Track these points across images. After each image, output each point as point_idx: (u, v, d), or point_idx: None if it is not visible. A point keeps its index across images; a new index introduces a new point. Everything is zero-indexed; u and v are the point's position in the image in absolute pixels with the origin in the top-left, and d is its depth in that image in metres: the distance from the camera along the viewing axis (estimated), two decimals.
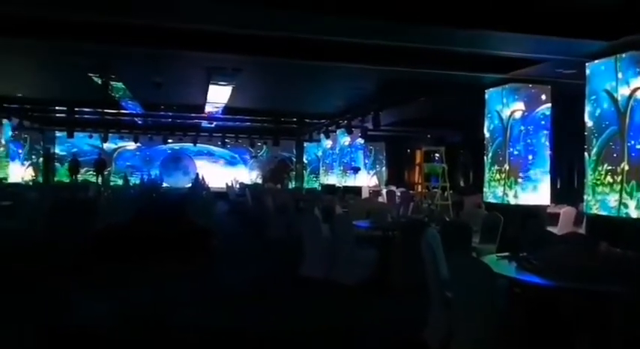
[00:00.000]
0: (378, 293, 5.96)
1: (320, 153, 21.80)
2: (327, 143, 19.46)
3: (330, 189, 17.93)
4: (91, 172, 21.92)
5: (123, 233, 8.48)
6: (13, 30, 7.06)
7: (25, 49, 9.26)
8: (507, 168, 8.74)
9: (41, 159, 21.62)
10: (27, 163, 21.27)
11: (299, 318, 5.11)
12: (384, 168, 23.40)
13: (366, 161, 19.61)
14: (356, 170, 17.25)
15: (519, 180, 8.60)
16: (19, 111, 17.00)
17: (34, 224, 8.78)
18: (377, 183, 21.90)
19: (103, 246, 8.02)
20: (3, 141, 17.01)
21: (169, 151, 23.54)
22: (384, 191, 15.93)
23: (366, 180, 18.61)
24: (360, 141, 17.39)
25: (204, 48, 7.88)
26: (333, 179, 18.90)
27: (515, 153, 8.68)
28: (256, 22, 6.40)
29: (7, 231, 8.03)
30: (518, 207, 8.51)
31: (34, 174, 21.23)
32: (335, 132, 17.76)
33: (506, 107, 8.82)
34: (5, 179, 17.02)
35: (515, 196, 8.59)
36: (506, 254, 4.23)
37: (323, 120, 17.64)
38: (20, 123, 17.89)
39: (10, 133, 17.98)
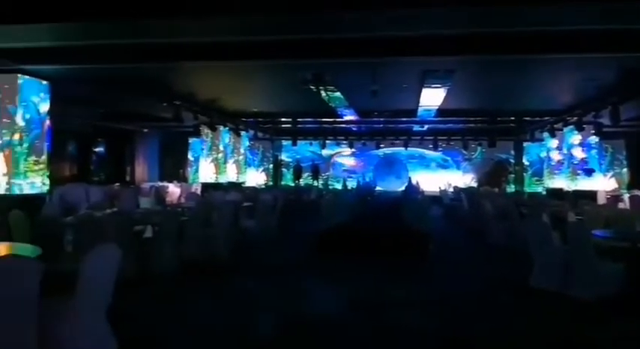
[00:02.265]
0: (626, 312, 5.12)
1: (544, 154, 19.97)
2: (553, 142, 17.73)
3: (556, 193, 16.24)
4: (310, 176, 23.86)
5: (344, 233, 8.95)
6: (247, 54, 8.07)
7: (257, 69, 10.48)
8: None
9: (271, 165, 24.31)
10: (260, 169, 24.18)
11: (531, 331, 4.67)
12: (624, 170, 20.29)
13: (602, 162, 17.26)
14: (589, 172, 15.30)
15: None
16: (254, 124, 19.41)
17: (269, 223, 9.88)
18: (616, 186, 19.09)
19: (327, 244, 8.58)
20: (242, 150, 19.58)
21: (382, 156, 24.22)
22: (625, 196, 13.78)
23: (602, 183, 16.37)
24: (594, 139, 15.41)
25: (419, 52, 7.87)
26: (560, 182, 17.11)
27: None
28: (471, 21, 6.15)
29: (249, 229, 9.15)
30: None
31: (265, 179, 24.03)
32: (562, 130, 16.06)
33: None
34: (244, 183, 19.53)
35: None
36: None
37: (547, 118, 16.14)
38: (255, 135, 20.44)
39: (247, 143, 20.63)
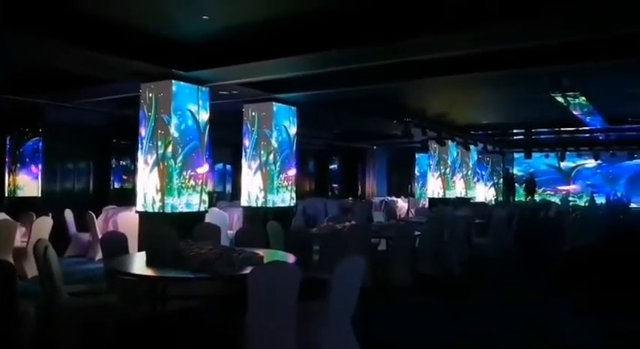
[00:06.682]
0: None
1: None
2: None
3: None
4: (548, 192, 21.87)
5: (592, 256, 7.92)
6: (478, 66, 7.79)
7: (489, 80, 10.01)
8: None
9: (501, 180, 23.04)
10: (489, 184, 23.14)
11: None
12: None
13: None
14: None
15: None
16: (484, 137, 18.68)
17: (504, 240, 9.34)
18: None
19: (571, 268, 7.70)
20: (470, 165, 19.00)
21: (638, 167, 20.86)
22: None
23: None
24: None
25: None
26: None
27: None
28: None
29: (482, 246, 8.80)
30: None
31: (495, 194, 22.87)
32: None
33: None
34: (472, 198, 18.90)
35: None
36: None
37: None
38: (485, 148, 19.65)
39: (476, 157, 19.95)
